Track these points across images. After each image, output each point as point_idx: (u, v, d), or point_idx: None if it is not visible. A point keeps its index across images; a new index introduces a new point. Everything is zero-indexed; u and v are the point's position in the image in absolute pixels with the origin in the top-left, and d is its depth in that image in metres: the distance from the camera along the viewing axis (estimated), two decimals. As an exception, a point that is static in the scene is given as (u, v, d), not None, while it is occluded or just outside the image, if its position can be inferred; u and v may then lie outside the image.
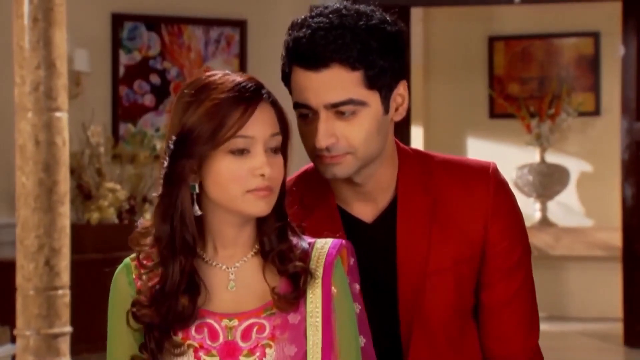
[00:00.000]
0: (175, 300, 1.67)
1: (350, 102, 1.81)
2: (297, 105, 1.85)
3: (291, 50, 1.84)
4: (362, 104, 1.82)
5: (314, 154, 1.86)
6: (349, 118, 1.82)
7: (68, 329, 3.88)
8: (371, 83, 1.83)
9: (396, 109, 1.90)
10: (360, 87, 1.82)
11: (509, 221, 1.95)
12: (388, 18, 1.87)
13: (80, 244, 5.51)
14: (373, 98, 1.84)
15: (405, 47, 1.89)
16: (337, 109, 1.82)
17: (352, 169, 1.86)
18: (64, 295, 3.87)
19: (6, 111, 4.64)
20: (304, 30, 1.82)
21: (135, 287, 1.72)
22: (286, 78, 1.87)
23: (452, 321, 1.94)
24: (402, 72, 1.89)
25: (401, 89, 1.89)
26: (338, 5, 1.86)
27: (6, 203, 5.20)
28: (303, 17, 1.86)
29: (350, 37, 1.80)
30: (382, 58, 1.83)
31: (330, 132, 1.82)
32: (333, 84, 1.80)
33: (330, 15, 1.83)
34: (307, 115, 1.84)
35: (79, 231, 5.54)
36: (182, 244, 1.67)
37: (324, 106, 1.81)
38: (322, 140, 1.82)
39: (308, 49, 1.81)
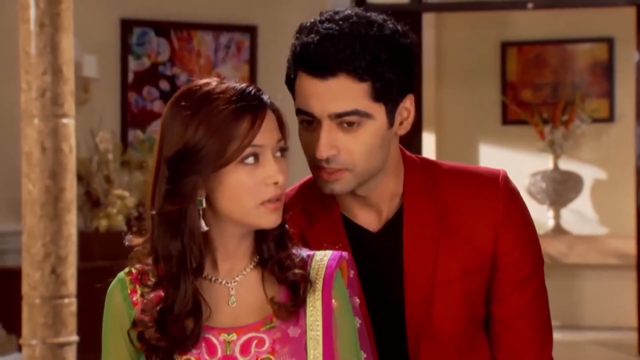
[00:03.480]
0: (182, 322, 1.62)
1: (355, 112, 1.76)
2: (300, 112, 1.80)
3: (298, 56, 1.79)
4: (367, 115, 1.77)
5: (314, 164, 1.81)
6: (353, 130, 1.77)
7: (74, 338, 3.85)
8: (378, 95, 1.77)
9: (401, 123, 1.85)
10: (367, 99, 1.77)
11: (520, 231, 1.90)
12: (400, 29, 1.81)
13: (88, 251, 5.48)
14: (378, 110, 1.79)
15: (416, 60, 1.84)
16: (341, 119, 1.77)
17: (351, 185, 1.81)
18: (70, 304, 3.84)
19: (12, 117, 4.61)
20: (312, 35, 1.77)
21: (131, 303, 1.67)
22: (290, 83, 1.83)
23: (462, 333, 1.89)
24: (410, 85, 1.83)
25: (408, 102, 1.84)
26: (349, 11, 1.81)
27: (12, 210, 5.17)
28: (312, 21, 1.81)
29: (360, 47, 1.75)
30: (391, 70, 1.78)
31: (332, 143, 1.77)
32: (339, 93, 1.75)
33: (341, 22, 1.77)
34: (310, 122, 1.79)
35: (87, 238, 5.52)
36: (192, 262, 1.62)
37: (327, 115, 1.77)
38: (323, 150, 1.77)
39: (316, 55, 1.75)
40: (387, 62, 1.77)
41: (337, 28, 1.76)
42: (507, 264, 1.88)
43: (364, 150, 1.78)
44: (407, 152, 1.91)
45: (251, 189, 1.61)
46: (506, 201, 1.88)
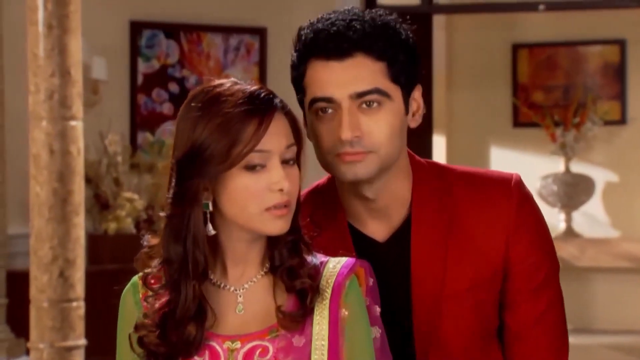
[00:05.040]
0: (184, 328, 1.60)
1: (376, 91, 1.74)
2: (316, 101, 1.75)
3: (310, 43, 1.75)
4: (386, 95, 1.75)
5: (333, 152, 1.76)
6: (374, 111, 1.74)
7: (82, 341, 3.83)
8: (394, 76, 1.76)
9: (412, 115, 1.82)
10: (385, 79, 1.75)
11: (533, 237, 1.84)
12: (397, 19, 1.82)
13: (97, 254, 5.47)
14: (396, 93, 1.77)
15: (420, 53, 1.82)
16: (363, 99, 1.74)
17: (374, 169, 1.76)
18: (78, 308, 3.82)
19: (20, 120, 4.59)
20: (322, 22, 1.76)
21: (142, 307, 1.65)
22: (299, 79, 1.79)
23: (473, 345, 1.84)
24: (418, 76, 1.82)
25: (417, 94, 1.82)
26: (346, 6, 1.82)
27: (20, 213, 5.15)
28: (314, 18, 1.80)
29: (373, 30, 1.75)
30: (403, 53, 1.77)
31: (355, 124, 1.73)
32: (358, 72, 1.73)
33: (346, 12, 1.78)
34: (326, 110, 1.75)
35: (96, 241, 5.50)
36: (195, 267, 1.60)
37: (349, 96, 1.73)
38: (348, 131, 1.72)
39: (330, 38, 1.73)
40: (399, 45, 1.76)
41: (344, 16, 1.77)
42: (520, 272, 1.83)
43: (386, 131, 1.75)
44: (416, 157, 1.87)
45: (255, 194, 1.58)
46: (519, 207, 1.83)
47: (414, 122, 1.82)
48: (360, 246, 1.82)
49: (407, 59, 1.77)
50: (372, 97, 1.73)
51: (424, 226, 1.82)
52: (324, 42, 1.73)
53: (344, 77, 1.73)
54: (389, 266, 1.82)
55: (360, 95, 1.73)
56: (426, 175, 1.85)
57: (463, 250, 1.81)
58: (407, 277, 1.82)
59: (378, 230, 1.84)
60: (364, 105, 1.74)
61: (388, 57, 1.75)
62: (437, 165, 1.88)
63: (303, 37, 1.77)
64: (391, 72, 1.75)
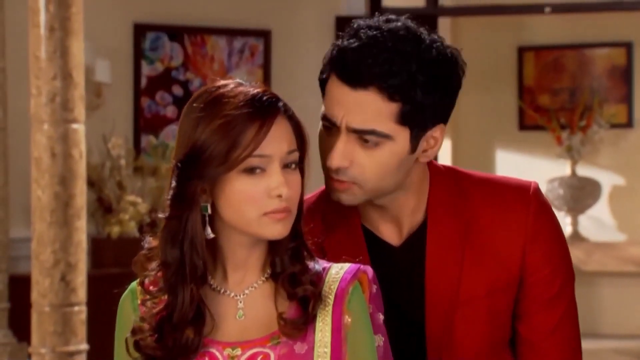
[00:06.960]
0: (181, 332, 1.58)
1: (372, 132, 1.69)
2: (324, 118, 1.74)
3: (334, 58, 1.72)
4: (386, 137, 1.70)
5: (326, 170, 1.75)
6: (370, 146, 1.70)
7: (84, 346, 3.82)
8: (404, 119, 1.70)
9: (425, 151, 1.76)
10: (390, 121, 1.69)
11: (550, 247, 1.81)
12: (450, 54, 1.73)
13: (100, 258, 5.45)
14: (401, 134, 1.71)
15: (458, 90, 1.75)
16: (359, 136, 1.70)
17: (359, 199, 1.74)
18: (80, 312, 3.81)
19: (22, 123, 4.57)
20: (353, 40, 1.70)
21: (139, 313, 1.63)
22: (322, 83, 1.76)
23: (486, 354, 1.81)
24: (445, 115, 1.75)
25: (437, 132, 1.75)
26: (399, 23, 1.72)
27: (22, 217, 5.13)
28: (361, 23, 1.73)
29: (399, 64, 1.67)
30: (425, 95, 1.69)
31: (347, 155, 1.70)
32: (363, 108, 1.68)
33: (386, 33, 1.69)
34: (330, 128, 1.73)
35: (99, 245, 5.48)
36: (192, 271, 1.57)
37: (346, 127, 1.70)
38: (335, 160, 1.70)
39: (351, 62, 1.68)
40: (423, 86, 1.69)
41: (380, 38, 1.68)
42: (536, 282, 1.81)
43: (377, 169, 1.71)
44: (433, 161, 1.83)
45: (253, 199, 1.55)
46: (536, 216, 1.80)
47: (425, 157, 1.77)
48: (374, 250, 1.79)
49: (428, 100, 1.70)
50: (368, 137, 1.70)
51: (440, 231, 1.79)
52: (344, 64, 1.69)
53: (350, 107, 1.69)
54: (403, 271, 1.79)
55: (355, 131, 1.70)
56: (443, 180, 1.81)
57: (479, 257, 1.79)
58: (421, 282, 1.79)
59: (393, 234, 1.81)
60: (362, 140, 1.70)
61: (403, 99, 1.68)
62: (454, 171, 1.85)
63: (335, 50, 1.72)
64: (402, 113, 1.69)
